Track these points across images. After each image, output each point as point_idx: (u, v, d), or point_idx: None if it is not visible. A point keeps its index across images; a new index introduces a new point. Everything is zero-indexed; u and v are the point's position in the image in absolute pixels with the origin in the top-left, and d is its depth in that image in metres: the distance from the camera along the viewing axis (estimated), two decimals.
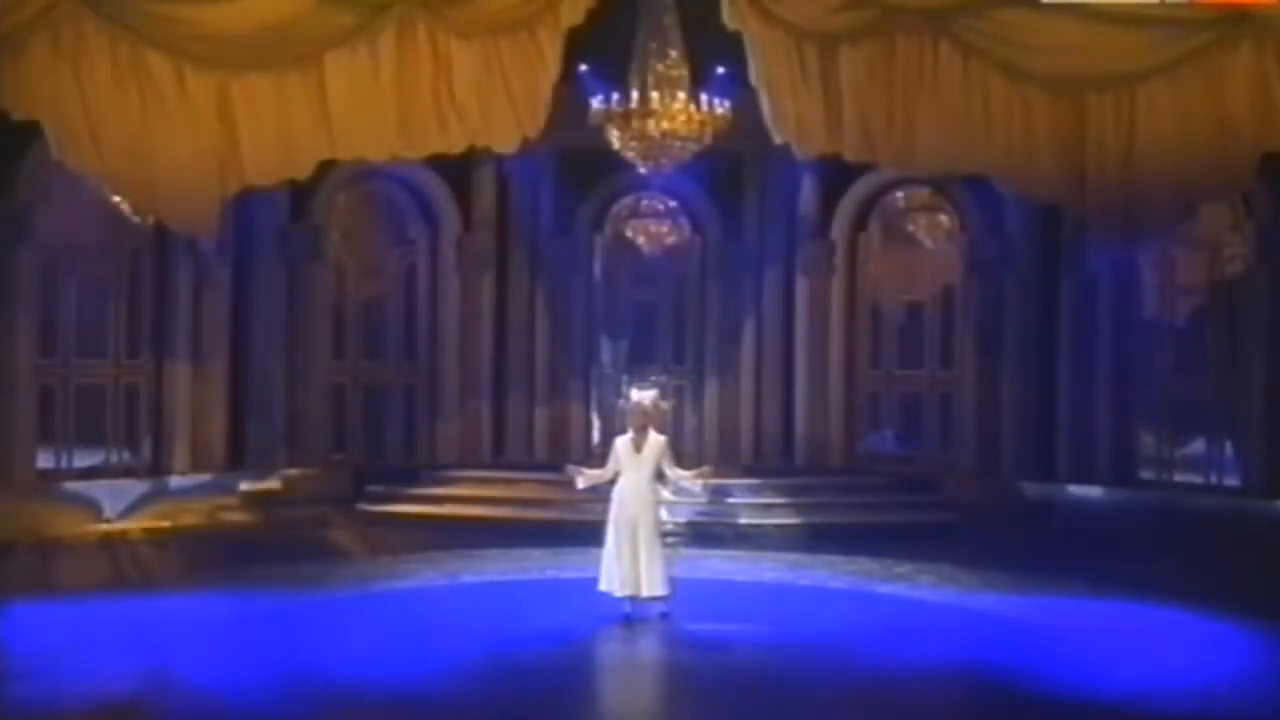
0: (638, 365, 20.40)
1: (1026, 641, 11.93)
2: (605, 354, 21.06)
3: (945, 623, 12.77)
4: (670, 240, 21.19)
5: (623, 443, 12.47)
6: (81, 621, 12.13)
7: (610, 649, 11.91)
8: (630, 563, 12.15)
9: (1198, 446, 18.44)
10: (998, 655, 11.49)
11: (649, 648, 12.00)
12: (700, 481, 13.08)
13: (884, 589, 14.01)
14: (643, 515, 12.24)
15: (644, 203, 21.04)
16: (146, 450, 18.05)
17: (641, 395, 12.87)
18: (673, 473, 12.55)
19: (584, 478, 12.69)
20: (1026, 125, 15.07)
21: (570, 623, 12.16)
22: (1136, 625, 12.53)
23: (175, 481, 17.90)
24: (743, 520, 17.62)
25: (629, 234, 21.19)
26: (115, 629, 11.83)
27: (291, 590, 13.45)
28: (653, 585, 12.18)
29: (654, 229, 21.20)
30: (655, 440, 12.42)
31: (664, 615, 12.27)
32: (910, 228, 20.72)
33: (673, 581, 12.40)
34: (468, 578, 14.34)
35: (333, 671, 10.65)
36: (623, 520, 12.24)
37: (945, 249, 20.35)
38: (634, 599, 12.20)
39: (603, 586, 12.28)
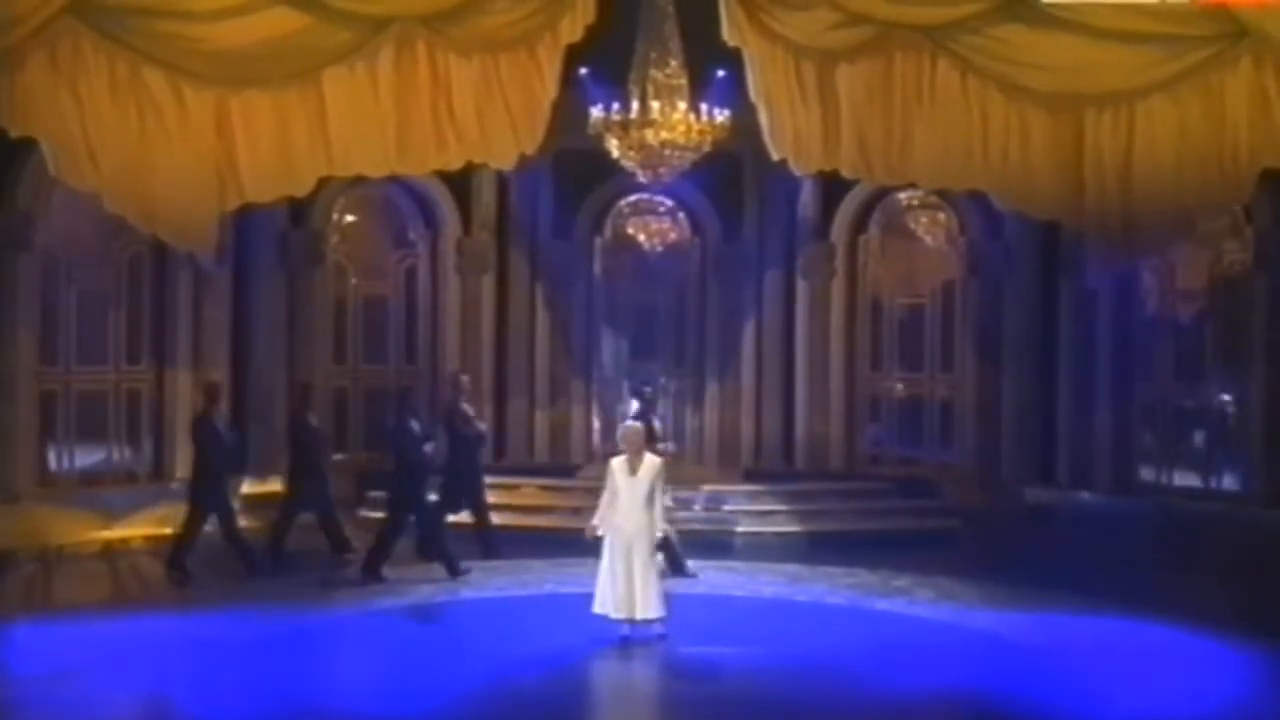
0: (639, 367, 20.42)
1: (1025, 663, 11.92)
2: (606, 356, 21.09)
3: (942, 643, 12.72)
4: (671, 237, 21.20)
5: (618, 464, 12.50)
6: (82, 643, 12.15)
7: (606, 674, 11.95)
8: (625, 584, 12.17)
9: (1197, 452, 18.45)
10: (995, 679, 11.50)
11: (644, 672, 12.03)
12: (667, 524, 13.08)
13: (882, 605, 14.03)
14: (638, 536, 12.26)
15: (644, 200, 21.02)
16: (148, 456, 18.11)
17: (628, 424, 13.06)
18: (662, 499, 12.55)
19: (595, 524, 12.52)
20: (1024, 142, 15.02)
21: (567, 645, 12.16)
22: (1137, 645, 12.52)
23: (177, 487, 17.79)
24: (741, 528, 17.59)
25: (630, 231, 21.18)
26: (115, 652, 11.85)
27: (291, 608, 13.50)
28: (648, 607, 12.20)
29: (655, 226, 21.21)
30: (650, 462, 12.45)
31: (661, 637, 12.30)
32: (911, 225, 20.71)
33: (668, 600, 12.41)
34: (467, 593, 14.38)
35: (330, 700, 10.74)
36: (618, 541, 12.26)
37: (945, 247, 20.37)
38: (631, 621, 12.22)
39: (597, 609, 12.29)
